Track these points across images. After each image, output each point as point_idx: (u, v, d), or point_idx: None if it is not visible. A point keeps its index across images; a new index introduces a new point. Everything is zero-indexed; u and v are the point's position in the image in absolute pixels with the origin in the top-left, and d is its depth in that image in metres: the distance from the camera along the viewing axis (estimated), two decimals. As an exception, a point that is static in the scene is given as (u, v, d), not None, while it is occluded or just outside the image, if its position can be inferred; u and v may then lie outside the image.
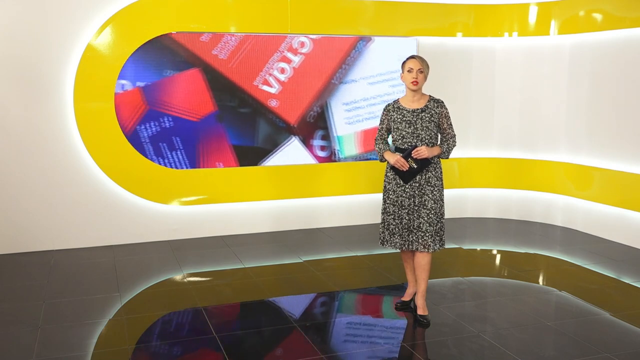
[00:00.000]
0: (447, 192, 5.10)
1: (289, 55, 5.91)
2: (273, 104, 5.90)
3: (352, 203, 6.38)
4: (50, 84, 5.27)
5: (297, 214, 6.21)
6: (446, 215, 5.45)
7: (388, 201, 3.83)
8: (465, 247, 5.65)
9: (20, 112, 5.23)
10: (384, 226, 3.87)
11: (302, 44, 5.92)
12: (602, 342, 3.51)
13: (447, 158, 3.83)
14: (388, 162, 3.80)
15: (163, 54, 5.54)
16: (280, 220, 6.15)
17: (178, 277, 4.75)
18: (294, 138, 6.05)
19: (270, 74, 5.86)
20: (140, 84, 5.50)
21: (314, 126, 6.11)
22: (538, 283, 4.72)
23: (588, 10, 5.86)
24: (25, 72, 5.20)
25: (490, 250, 5.65)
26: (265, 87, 5.86)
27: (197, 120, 5.71)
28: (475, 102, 6.61)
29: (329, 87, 6.11)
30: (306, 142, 6.10)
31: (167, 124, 5.60)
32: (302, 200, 6.21)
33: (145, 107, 5.51)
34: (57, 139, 5.36)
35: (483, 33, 6.48)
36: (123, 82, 5.42)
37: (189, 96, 5.66)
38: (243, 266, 5.01)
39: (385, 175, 3.86)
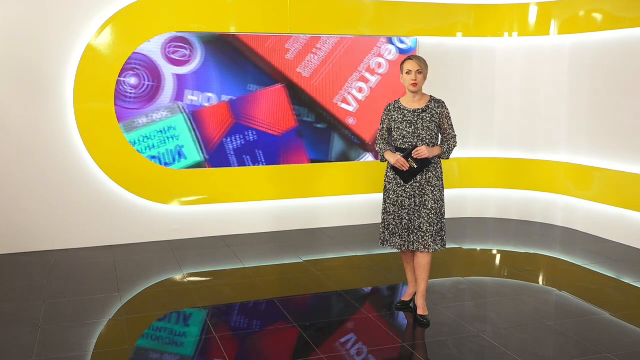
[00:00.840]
0: (447, 192, 5.09)
1: (367, 75, 6.18)
2: (350, 121, 6.16)
3: (352, 203, 6.38)
4: (50, 84, 5.27)
5: (297, 214, 6.20)
6: (446, 215, 5.44)
7: (388, 201, 3.83)
8: (465, 247, 5.65)
9: (20, 112, 5.23)
10: (384, 226, 3.87)
11: (379, 65, 6.19)
12: (602, 342, 3.51)
13: (448, 159, 3.83)
14: (388, 162, 3.80)
15: (248, 69, 5.74)
16: (280, 220, 6.15)
17: (178, 277, 4.75)
18: (367, 154, 6.31)
19: (349, 93, 6.12)
20: (226, 97, 5.69)
21: None
22: (538, 283, 4.72)
23: (588, 10, 5.85)
24: (25, 72, 5.20)
25: (490, 250, 5.65)
26: (343, 105, 6.13)
27: (279, 135, 5.94)
28: (475, 102, 6.61)
29: None
30: (376, 156, 6.31)
31: (252, 138, 5.83)
32: (302, 200, 6.21)
33: (232, 121, 5.73)
34: (57, 139, 5.36)
35: (483, 33, 6.48)
36: (209, 94, 5.63)
37: (272, 111, 5.90)
38: (243, 266, 5.01)
39: (386, 175, 3.86)
